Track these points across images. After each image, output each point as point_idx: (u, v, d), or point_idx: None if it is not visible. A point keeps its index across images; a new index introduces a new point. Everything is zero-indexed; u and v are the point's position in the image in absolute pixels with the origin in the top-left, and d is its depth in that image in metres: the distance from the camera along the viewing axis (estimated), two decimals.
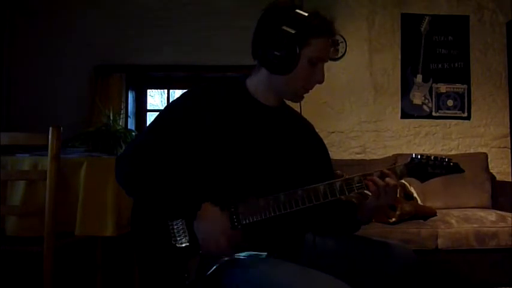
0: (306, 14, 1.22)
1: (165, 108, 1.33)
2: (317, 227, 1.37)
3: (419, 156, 1.22)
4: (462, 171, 1.21)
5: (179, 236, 1.21)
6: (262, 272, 1.12)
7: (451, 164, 1.22)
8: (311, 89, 1.30)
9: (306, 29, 1.20)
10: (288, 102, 1.39)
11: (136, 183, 1.25)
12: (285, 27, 1.19)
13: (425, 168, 1.22)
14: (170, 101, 1.46)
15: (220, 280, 1.18)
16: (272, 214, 1.21)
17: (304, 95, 1.32)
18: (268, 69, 1.26)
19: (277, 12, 1.24)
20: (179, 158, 1.25)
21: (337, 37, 3.58)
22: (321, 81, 1.28)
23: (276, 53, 1.21)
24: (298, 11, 1.22)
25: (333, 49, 3.58)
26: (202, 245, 1.18)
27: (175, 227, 1.22)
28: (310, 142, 1.41)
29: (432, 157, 1.22)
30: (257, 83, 1.32)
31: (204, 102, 1.27)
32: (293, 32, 1.19)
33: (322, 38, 1.23)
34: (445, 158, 1.23)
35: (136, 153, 1.26)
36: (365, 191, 1.22)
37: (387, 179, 1.19)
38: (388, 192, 1.20)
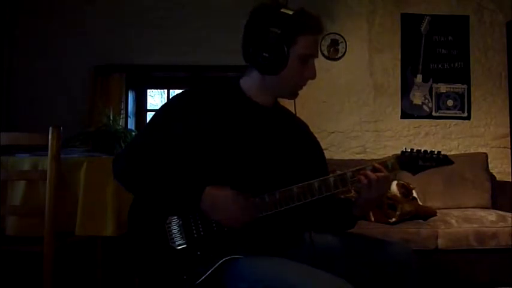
0: (291, 13, 1.23)
1: (160, 108, 1.34)
2: (314, 224, 1.38)
3: (409, 150, 1.24)
4: (452, 162, 1.24)
5: (176, 237, 1.22)
6: (268, 272, 1.12)
7: (441, 156, 1.24)
8: (304, 85, 1.32)
9: (292, 27, 1.21)
10: (284, 101, 1.39)
11: (134, 178, 1.26)
12: (271, 28, 1.21)
13: (416, 161, 1.24)
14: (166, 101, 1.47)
15: (221, 280, 1.19)
16: (268, 212, 1.22)
17: (299, 92, 1.33)
18: (259, 71, 1.27)
19: (263, 13, 1.25)
20: (175, 158, 1.26)
21: (337, 37, 3.59)
22: (312, 78, 1.29)
23: (265, 54, 1.22)
24: (283, 10, 1.23)
25: (332, 49, 3.59)
26: (225, 224, 1.19)
27: (172, 228, 1.22)
28: (305, 141, 1.42)
29: (422, 150, 1.25)
30: (250, 83, 1.32)
31: (199, 102, 1.28)
32: (279, 32, 1.20)
33: (309, 34, 1.24)
34: (434, 151, 1.25)
35: (133, 151, 1.28)
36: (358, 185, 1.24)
37: (378, 173, 1.21)
38: (379, 185, 1.22)
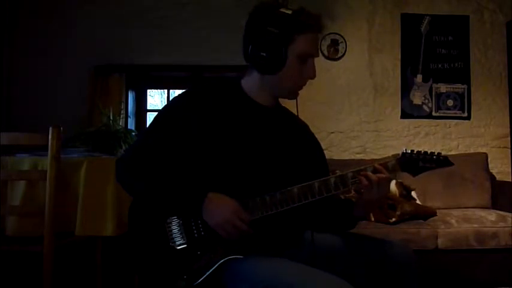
0: (290, 12, 1.22)
1: (162, 109, 1.34)
2: (315, 224, 1.38)
3: (409, 151, 1.24)
4: (451, 164, 1.24)
5: (176, 237, 1.22)
6: (268, 272, 1.12)
7: (441, 157, 1.24)
8: (304, 85, 1.31)
9: (290, 26, 1.21)
10: (286, 101, 1.39)
11: (137, 183, 1.26)
12: (269, 28, 1.21)
13: (416, 162, 1.24)
14: (168, 101, 1.47)
15: (221, 279, 1.19)
16: (269, 212, 1.22)
17: (300, 92, 1.33)
18: (258, 71, 1.27)
19: (261, 12, 1.25)
20: (178, 158, 1.26)
21: (337, 37, 3.59)
22: (312, 77, 1.28)
23: (262, 54, 1.22)
24: (282, 9, 1.23)
25: (332, 49, 3.59)
26: (221, 232, 1.18)
27: (172, 228, 1.22)
28: (306, 141, 1.42)
29: (422, 151, 1.25)
30: (251, 83, 1.32)
31: (201, 102, 1.28)
32: (277, 31, 1.20)
33: (307, 33, 1.23)
34: (434, 152, 1.25)
35: (136, 155, 1.27)
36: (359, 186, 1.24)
37: (379, 174, 1.21)
38: (380, 186, 1.22)
